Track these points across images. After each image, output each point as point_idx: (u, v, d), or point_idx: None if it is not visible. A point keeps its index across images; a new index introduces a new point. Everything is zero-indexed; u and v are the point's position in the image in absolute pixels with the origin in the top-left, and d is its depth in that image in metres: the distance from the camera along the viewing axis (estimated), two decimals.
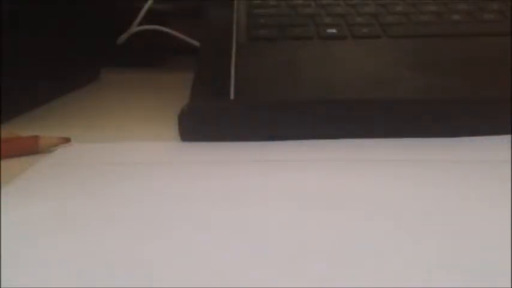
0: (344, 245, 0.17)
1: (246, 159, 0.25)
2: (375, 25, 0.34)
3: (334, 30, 0.34)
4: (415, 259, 0.16)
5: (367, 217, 0.19)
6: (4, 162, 0.26)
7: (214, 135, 0.27)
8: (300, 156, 0.25)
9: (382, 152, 0.25)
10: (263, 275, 0.15)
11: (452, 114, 0.27)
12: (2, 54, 0.32)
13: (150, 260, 0.16)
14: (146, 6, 0.45)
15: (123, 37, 0.46)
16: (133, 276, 0.16)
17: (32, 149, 0.27)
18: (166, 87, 0.40)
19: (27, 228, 0.19)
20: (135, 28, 0.45)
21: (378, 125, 0.27)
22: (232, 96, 0.28)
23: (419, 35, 0.33)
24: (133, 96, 0.39)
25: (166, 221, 0.19)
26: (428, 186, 0.21)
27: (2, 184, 0.23)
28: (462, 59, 0.31)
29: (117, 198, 0.21)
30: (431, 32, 0.33)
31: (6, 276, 0.16)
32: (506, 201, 0.19)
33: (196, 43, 0.44)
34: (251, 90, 0.29)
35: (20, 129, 0.29)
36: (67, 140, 0.28)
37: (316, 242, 0.17)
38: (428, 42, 0.32)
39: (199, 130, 0.27)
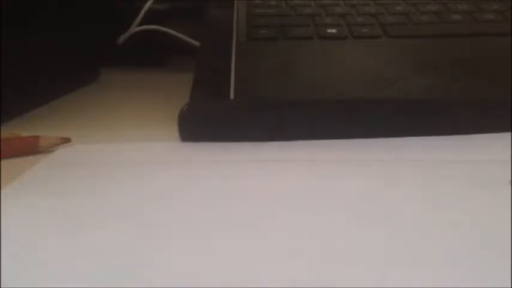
0: (344, 244, 0.17)
1: (246, 159, 0.25)
2: (375, 25, 0.34)
3: (334, 30, 0.34)
4: (415, 259, 0.16)
5: (367, 217, 0.19)
6: (4, 162, 0.26)
7: (214, 135, 0.27)
8: (300, 156, 0.25)
9: (382, 152, 0.25)
10: (263, 275, 0.15)
11: (452, 114, 0.27)
12: (2, 54, 0.32)
13: (150, 259, 0.16)
14: (146, 6, 0.45)
15: (123, 37, 0.46)
16: (134, 276, 0.16)
17: (32, 149, 0.27)
18: (166, 87, 0.40)
19: (27, 228, 0.19)
20: (135, 28, 0.45)
21: (377, 125, 0.27)
22: (232, 96, 0.28)
23: (419, 35, 0.33)
24: (133, 96, 0.39)
25: (166, 220, 0.19)
26: (428, 186, 0.21)
27: (2, 184, 0.23)
28: (462, 59, 0.31)
29: (117, 198, 0.21)
30: (431, 32, 0.33)
31: (6, 276, 0.16)
32: (506, 201, 0.19)
33: (196, 43, 0.44)
34: (251, 90, 0.28)
35: (20, 129, 0.29)
36: (67, 140, 0.28)
37: (316, 242, 0.17)
38: (428, 42, 0.32)
39: (199, 130, 0.27)
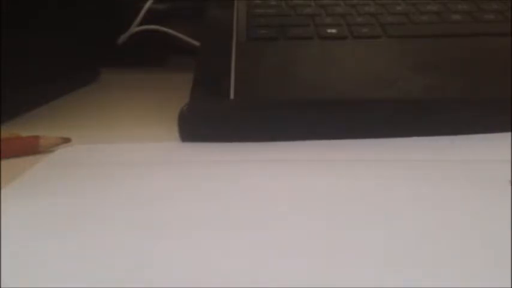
0: (344, 244, 0.17)
1: (246, 159, 0.25)
2: (375, 25, 0.34)
3: (334, 30, 0.34)
4: (415, 259, 0.16)
5: (367, 217, 0.19)
6: (4, 162, 0.26)
7: (214, 135, 0.27)
8: (300, 156, 0.25)
9: (382, 152, 0.25)
10: (263, 275, 0.15)
11: (452, 114, 0.27)
12: (2, 54, 0.32)
13: (150, 259, 0.16)
14: (146, 6, 0.45)
15: (123, 37, 0.46)
16: (134, 276, 0.16)
17: (32, 149, 0.27)
18: (166, 87, 0.40)
19: (27, 229, 0.19)
20: (135, 28, 0.45)
21: (377, 125, 0.27)
22: (232, 96, 0.28)
23: (419, 35, 0.33)
24: (134, 96, 0.39)
25: (166, 221, 0.19)
26: (428, 186, 0.21)
27: (2, 184, 0.23)
28: (462, 59, 0.31)
29: (117, 198, 0.21)
30: (431, 32, 0.33)
31: (6, 276, 0.16)
32: (506, 201, 0.19)
33: (196, 43, 0.44)
34: (251, 90, 0.28)
35: (20, 129, 0.29)
36: (67, 140, 0.28)
37: (316, 242, 0.17)
38: (428, 42, 0.32)
39: (199, 130, 0.27)
